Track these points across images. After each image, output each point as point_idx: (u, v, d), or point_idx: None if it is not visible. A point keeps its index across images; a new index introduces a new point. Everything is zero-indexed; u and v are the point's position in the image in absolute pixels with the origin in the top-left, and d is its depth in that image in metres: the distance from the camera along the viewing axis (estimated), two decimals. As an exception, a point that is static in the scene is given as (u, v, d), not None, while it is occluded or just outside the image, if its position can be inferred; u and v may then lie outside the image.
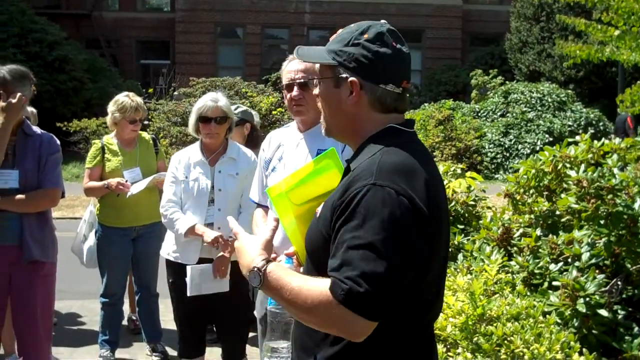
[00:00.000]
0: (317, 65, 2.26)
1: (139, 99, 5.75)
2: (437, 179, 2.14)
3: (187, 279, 4.57)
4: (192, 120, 4.73)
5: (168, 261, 4.79)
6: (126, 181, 5.52)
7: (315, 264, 2.14)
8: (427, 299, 2.11)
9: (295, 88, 3.60)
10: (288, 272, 2.06)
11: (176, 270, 4.67)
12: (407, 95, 2.22)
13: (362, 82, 2.13)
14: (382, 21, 2.22)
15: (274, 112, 19.62)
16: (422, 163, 2.08)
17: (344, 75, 2.15)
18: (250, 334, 5.09)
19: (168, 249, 4.78)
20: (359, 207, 1.95)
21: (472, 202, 5.39)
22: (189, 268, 4.58)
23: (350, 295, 1.88)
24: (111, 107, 5.69)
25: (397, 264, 1.91)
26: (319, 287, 1.94)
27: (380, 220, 1.91)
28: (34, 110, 6.05)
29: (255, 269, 2.07)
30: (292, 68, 3.64)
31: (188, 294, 4.59)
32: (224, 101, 4.71)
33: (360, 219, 1.93)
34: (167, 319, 6.10)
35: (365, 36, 2.14)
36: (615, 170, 4.34)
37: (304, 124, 3.68)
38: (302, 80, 3.57)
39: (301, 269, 2.28)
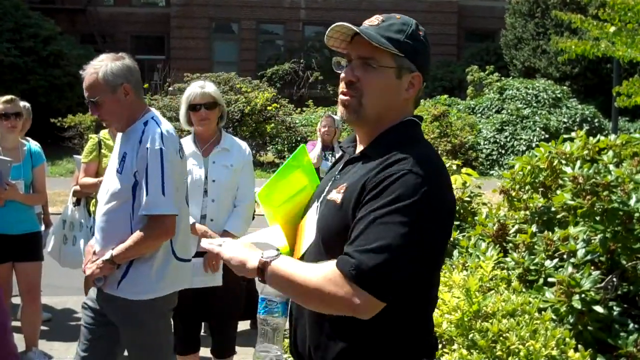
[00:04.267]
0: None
1: None
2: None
3: None
4: (182, 111, 4.72)
5: None
6: None
7: (331, 251, 2.08)
8: (435, 292, 2.17)
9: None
10: (293, 261, 2.07)
11: None
12: None
13: (421, 78, 2.17)
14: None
15: (269, 108, 19.61)
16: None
17: (410, 69, 2.14)
18: (239, 329, 5.08)
19: None
20: (392, 187, 1.95)
21: (468, 199, 5.39)
22: None
23: (359, 271, 1.89)
24: None
25: (413, 245, 1.92)
26: (326, 266, 1.96)
27: (407, 201, 1.92)
28: (27, 105, 6.02)
29: (262, 262, 2.05)
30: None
31: None
32: (211, 87, 4.69)
33: (390, 199, 1.93)
34: (162, 315, 6.09)
35: (421, 32, 2.17)
36: (611, 167, 4.34)
37: (116, 129, 3.75)
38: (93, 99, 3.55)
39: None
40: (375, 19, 2.17)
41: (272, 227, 2.35)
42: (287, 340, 2.40)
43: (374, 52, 2.11)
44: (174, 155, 3.51)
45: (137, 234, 3.47)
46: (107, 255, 3.51)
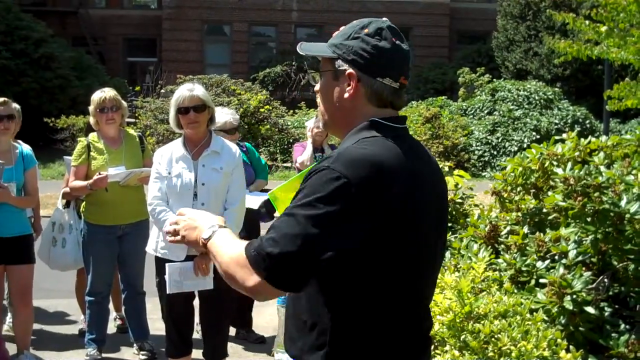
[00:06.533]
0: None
1: (113, 91, 5.73)
2: (419, 177, 2.12)
3: (166, 276, 4.56)
4: (171, 114, 4.71)
5: (157, 258, 4.76)
6: (105, 175, 5.43)
7: None
8: (399, 294, 2.10)
9: None
10: (225, 237, 2.15)
11: (164, 268, 4.64)
12: (404, 90, 2.22)
13: (360, 75, 2.14)
14: (384, 18, 2.23)
15: (261, 110, 19.60)
16: (402, 159, 2.07)
17: (343, 68, 2.16)
18: (231, 332, 5.09)
19: (155, 245, 4.75)
20: (307, 183, 2.01)
21: (460, 200, 5.40)
22: (167, 265, 4.56)
23: (257, 256, 1.97)
24: (90, 106, 5.70)
25: (313, 239, 1.94)
26: (239, 247, 2.06)
27: (315, 196, 1.96)
28: (17, 107, 5.98)
29: (212, 228, 2.18)
30: None
31: (167, 292, 4.58)
32: (200, 90, 4.68)
33: (302, 193, 2.00)
34: (154, 317, 6.08)
35: (366, 30, 2.16)
36: (602, 168, 4.36)
37: None
38: None
39: None
40: (338, 30, 2.26)
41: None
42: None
43: (322, 61, 2.25)
44: None
45: None
46: None
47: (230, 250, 2.08)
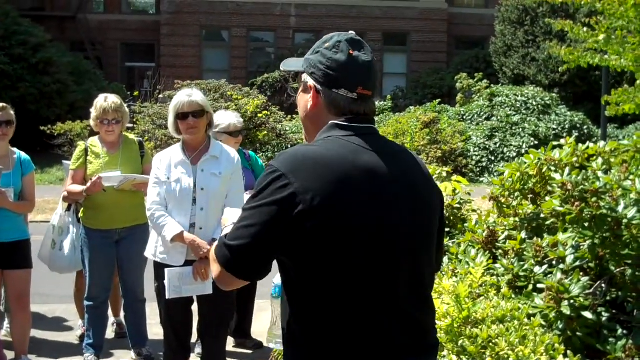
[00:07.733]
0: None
1: (116, 100, 5.70)
2: (376, 173, 2.13)
3: (165, 282, 4.56)
4: (170, 119, 4.72)
5: (155, 263, 4.76)
6: (98, 177, 5.42)
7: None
8: (359, 295, 2.11)
9: None
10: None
11: (162, 273, 4.64)
12: (368, 100, 2.25)
13: (318, 87, 2.24)
14: (350, 32, 2.32)
15: (259, 115, 19.62)
16: (352, 155, 2.13)
17: (305, 81, 2.29)
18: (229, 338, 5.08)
19: (154, 250, 4.75)
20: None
21: (458, 205, 5.41)
22: (166, 271, 4.56)
23: (219, 248, 2.15)
24: (92, 109, 5.70)
25: (256, 230, 2.07)
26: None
27: (257, 190, 2.12)
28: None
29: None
30: None
31: (167, 297, 4.58)
32: (199, 95, 4.70)
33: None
34: (152, 322, 6.08)
35: (326, 44, 2.26)
36: (600, 174, 4.37)
37: None
38: None
39: None
40: None
41: None
42: None
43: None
44: None
45: None
46: None
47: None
